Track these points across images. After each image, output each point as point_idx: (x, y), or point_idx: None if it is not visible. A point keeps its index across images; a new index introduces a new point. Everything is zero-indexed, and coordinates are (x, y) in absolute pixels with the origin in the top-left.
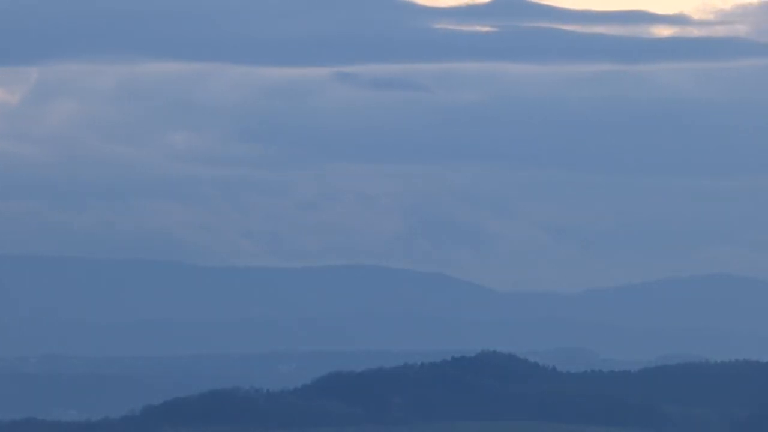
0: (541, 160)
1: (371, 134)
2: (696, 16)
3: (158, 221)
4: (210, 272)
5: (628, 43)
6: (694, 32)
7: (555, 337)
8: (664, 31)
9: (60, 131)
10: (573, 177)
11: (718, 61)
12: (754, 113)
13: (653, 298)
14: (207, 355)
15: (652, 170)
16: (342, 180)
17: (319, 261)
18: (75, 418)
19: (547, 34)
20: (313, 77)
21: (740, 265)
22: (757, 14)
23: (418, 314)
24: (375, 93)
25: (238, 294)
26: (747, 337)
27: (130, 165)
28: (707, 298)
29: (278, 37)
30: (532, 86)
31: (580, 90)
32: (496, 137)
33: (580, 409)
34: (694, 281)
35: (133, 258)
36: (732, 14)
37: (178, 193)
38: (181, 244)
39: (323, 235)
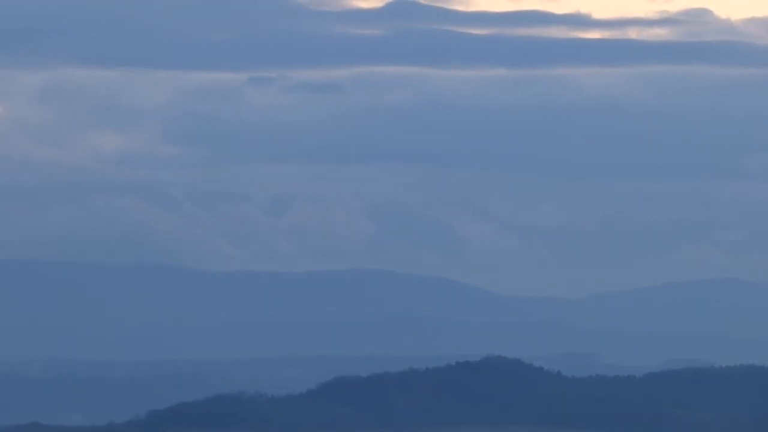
0: (495, 162)
1: (306, 136)
2: (596, 16)
3: (131, 225)
4: (213, 276)
5: (531, 45)
6: (614, 35)
7: (560, 341)
8: (565, 33)
9: None
10: (533, 179)
11: (641, 65)
12: (689, 116)
13: (658, 302)
14: (212, 360)
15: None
16: (300, 183)
17: (322, 266)
18: (80, 422)
19: (447, 36)
20: (228, 82)
21: (746, 270)
22: (678, 19)
23: (422, 319)
24: (295, 96)
25: (242, 298)
26: (752, 342)
27: (65, 167)
28: (712, 303)
29: (182, 44)
30: (449, 88)
31: (500, 91)
32: (437, 139)
33: (585, 414)
34: (700, 285)
35: (134, 262)
36: (649, 19)
37: (141, 196)
38: (170, 249)
39: (309, 239)
